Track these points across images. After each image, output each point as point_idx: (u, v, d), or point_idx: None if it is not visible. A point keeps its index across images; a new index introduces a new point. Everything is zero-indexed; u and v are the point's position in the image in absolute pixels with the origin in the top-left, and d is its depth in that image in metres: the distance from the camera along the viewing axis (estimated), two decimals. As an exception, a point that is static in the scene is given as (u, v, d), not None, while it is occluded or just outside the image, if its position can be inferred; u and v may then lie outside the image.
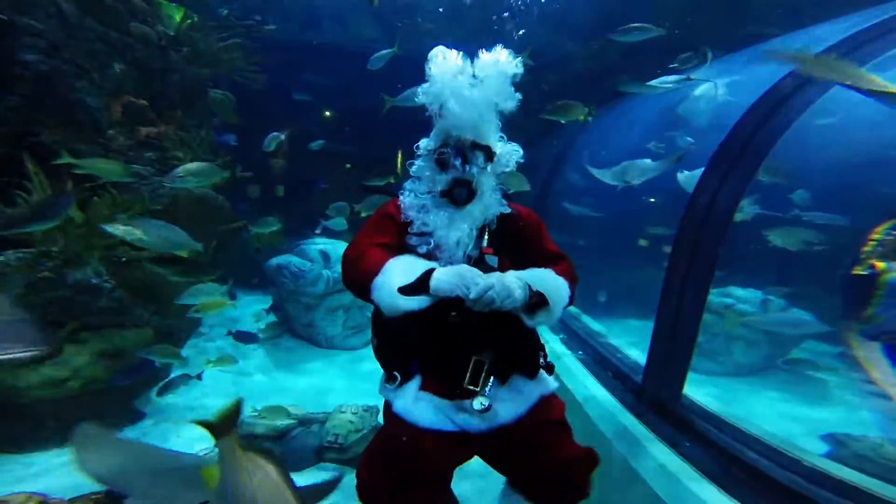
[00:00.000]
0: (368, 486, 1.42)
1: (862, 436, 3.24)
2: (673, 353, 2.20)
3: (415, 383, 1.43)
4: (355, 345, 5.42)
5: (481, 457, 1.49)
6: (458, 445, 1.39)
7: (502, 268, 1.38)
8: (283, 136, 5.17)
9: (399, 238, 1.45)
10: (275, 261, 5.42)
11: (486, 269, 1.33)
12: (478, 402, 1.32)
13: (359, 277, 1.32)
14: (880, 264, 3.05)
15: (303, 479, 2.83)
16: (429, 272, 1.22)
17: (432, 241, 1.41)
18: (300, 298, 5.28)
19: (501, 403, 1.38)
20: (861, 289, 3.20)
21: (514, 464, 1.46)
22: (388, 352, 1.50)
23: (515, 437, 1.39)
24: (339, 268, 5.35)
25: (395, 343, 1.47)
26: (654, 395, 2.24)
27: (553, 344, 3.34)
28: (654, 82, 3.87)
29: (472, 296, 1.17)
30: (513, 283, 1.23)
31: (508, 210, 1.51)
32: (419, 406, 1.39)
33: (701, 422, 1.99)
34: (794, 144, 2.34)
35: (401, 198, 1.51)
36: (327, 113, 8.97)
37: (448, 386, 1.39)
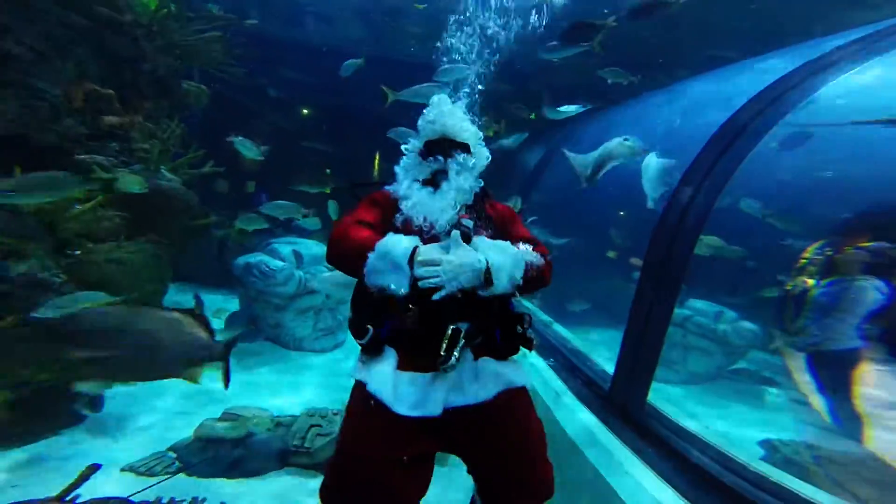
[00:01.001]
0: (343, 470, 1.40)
1: (790, 440, 3.52)
2: (639, 362, 2.31)
3: (387, 363, 1.44)
4: (325, 347, 5.33)
5: (448, 444, 1.47)
6: (427, 431, 1.39)
7: (478, 232, 1.54)
8: (260, 150, 5.03)
9: (383, 217, 1.61)
10: (244, 259, 5.26)
11: (464, 230, 1.48)
12: (443, 371, 1.36)
13: (347, 252, 1.45)
14: (810, 281, 3.32)
15: (267, 484, 2.77)
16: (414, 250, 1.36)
17: (414, 214, 1.56)
18: (269, 299, 5.14)
19: (470, 383, 1.41)
20: (792, 303, 3.48)
21: (475, 449, 1.46)
22: (362, 316, 1.51)
23: (479, 421, 1.41)
24: (311, 268, 5.29)
25: (369, 312, 1.49)
26: (621, 402, 2.34)
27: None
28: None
29: (416, 273, 1.32)
30: (464, 264, 1.34)
31: (482, 187, 1.69)
32: (390, 384, 1.40)
33: (662, 428, 2.10)
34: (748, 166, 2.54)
35: (389, 187, 1.70)
36: (305, 111, 8.84)
37: (423, 361, 1.41)
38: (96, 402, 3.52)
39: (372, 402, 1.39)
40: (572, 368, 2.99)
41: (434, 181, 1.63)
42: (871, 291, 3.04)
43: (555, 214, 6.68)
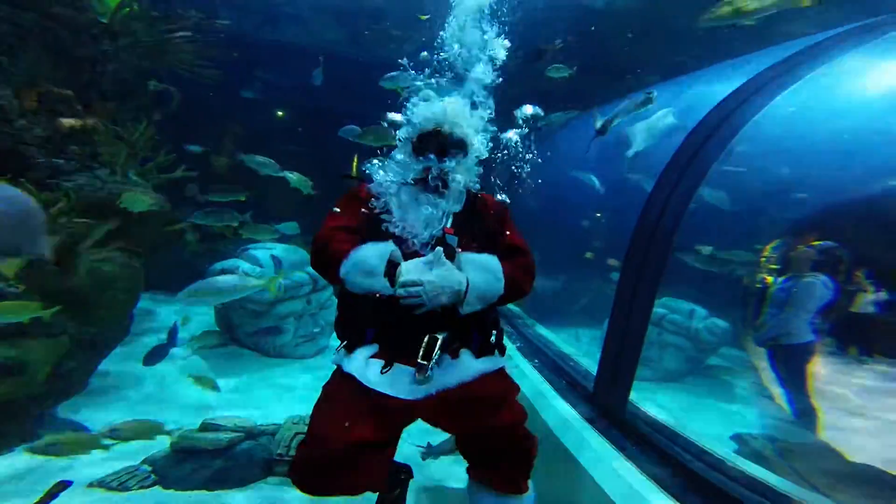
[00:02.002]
0: (315, 438, 1.41)
1: (757, 434, 3.70)
2: (621, 362, 2.38)
3: (368, 350, 1.50)
4: (306, 353, 5.24)
5: (424, 420, 1.55)
6: (400, 410, 1.45)
7: (462, 246, 1.50)
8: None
9: (365, 217, 1.54)
10: (220, 265, 5.11)
11: (447, 247, 1.46)
12: (420, 377, 1.42)
13: (328, 265, 1.44)
14: (769, 278, 3.53)
15: (250, 494, 2.69)
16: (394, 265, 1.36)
17: (399, 223, 1.50)
18: (246, 305, 5.01)
19: (442, 372, 1.46)
20: (754, 300, 3.69)
21: (454, 424, 1.54)
22: (346, 322, 1.57)
23: (453, 403, 1.46)
24: (290, 274, 5.19)
25: (355, 314, 1.55)
26: (604, 402, 2.41)
27: (509, 351, 3.46)
28: None
29: (398, 292, 1.34)
30: (444, 286, 1.36)
31: (475, 198, 1.62)
32: (369, 368, 1.46)
33: (645, 426, 2.18)
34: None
35: (374, 181, 1.59)
36: (280, 112, 8.65)
37: (402, 358, 1.47)
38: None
39: (350, 379, 1.44)
40: (557, 370, 3.05)
41: (426, 181, 1.51)
42: (819, 287, 3.26)
43: (535, 218, 6.79)
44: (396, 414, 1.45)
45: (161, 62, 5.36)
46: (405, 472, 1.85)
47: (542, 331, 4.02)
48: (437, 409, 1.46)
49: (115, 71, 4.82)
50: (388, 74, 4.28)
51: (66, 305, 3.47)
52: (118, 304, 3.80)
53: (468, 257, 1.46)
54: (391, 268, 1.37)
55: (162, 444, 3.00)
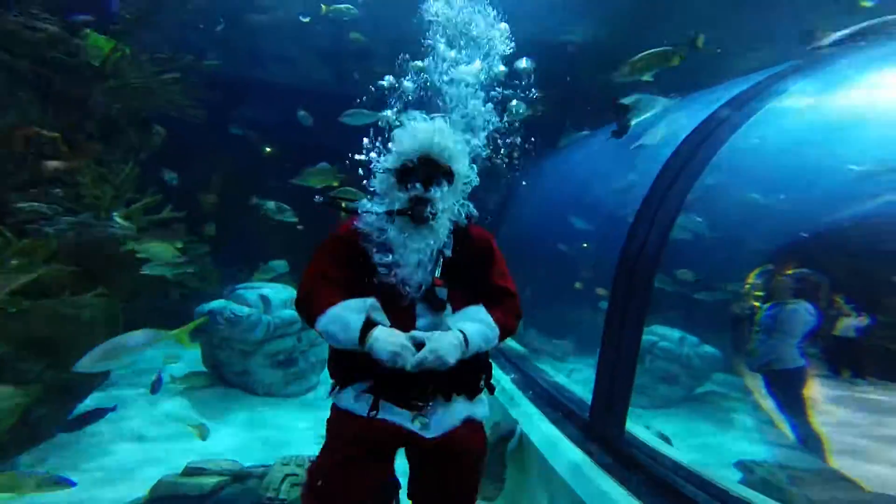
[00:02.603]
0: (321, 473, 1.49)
1: (763, 461, 3.65)
2: (615, 392, 2.38)
3: (360, 387, 1.51)
4: (296, 392, 5.09)
5: (406, 453, 1.62)
6: (396, 437, 1.50)
7: (453, 300, 1.50)
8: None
9: (353, 264, 1.51)
10: (208, 306, 5.02)
11: (437, 301, 1.47)
12: (418, 422, 1.46)
13: (307, 315, 1.47)
14: (756, 304, 3.60)
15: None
16: (370, 325, 1.37)
17: (392, 269, 1.47)
18: (234, 345, 4.89)
19: (436, 417, 1.49)
20: (743, 327, 3.75)
21: (425, 472, 1.59)
22: (338, 366, 1.58)
23: (435, 451, 1.50)
24: (279, 313, 5.10)
25: (346, 362, 1.54)
26: (601, 432, 2.38)
27: (504, 383, 3.43)
28: None
29: (408, 368, 1.33)
30: (447, 351, 1.37)
31: (464, 231, 1.60)
32: (361, 402, 1.49)
33: (643, 456, 2.15)
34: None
35: (358, 219, 1.54)
36: (268, 149, 8.76)
37: (394, 398, 1.49)
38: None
39: (346, 414, 1.50)
40: (551, 400, 3.02)
41: (412, 213, 1.44)
42: (803, 313, 3.34)
43: (523, 249, 6.86)
44: (393, 437, 1.49)
45: (149, 103, 5.43)
46: (394, 485, 1.79)
47: (540, 364, 4.00)
48: (424, 446, 1.50)
49: (103, 113, 4.86)
50: (349, 111, 4.35)
51: (38, 352, 3.37)
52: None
53: (459, 315, 1.50)
54: (368, 327, 1.37)
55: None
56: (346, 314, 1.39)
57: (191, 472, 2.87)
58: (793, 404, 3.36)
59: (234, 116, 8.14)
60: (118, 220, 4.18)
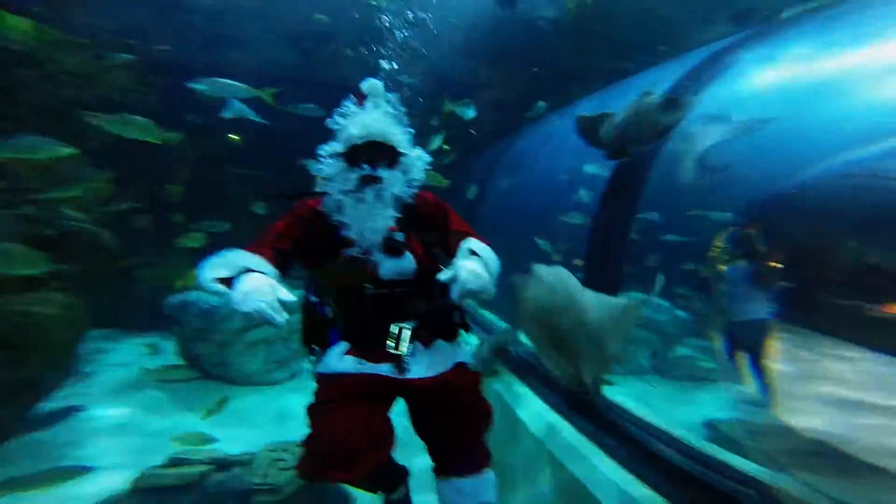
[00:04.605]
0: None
1: (727, 418, 3.86)
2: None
3: (339, 349, 1.59)
4: (279, 379, 5.05)
5: (406, 401, 1.68)
6: (386, 385, 1.58)
7: (409, 243, 1.61)
8: None
9: (304, 232, 1.61)
10: (177, 298, 4.87)
11: (395, 243, 1.57)
12: (390, 368, 1.54)
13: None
14: (722, 266, 3.76)
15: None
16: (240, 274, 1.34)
17: (351, 243, 1.58)
18: (210, 336, 4.79)
19: (420, 365, 1.58)
20: (712, 288, 3.91)
21: (428, 417, 1.66)
22: (310, 329, 1.66)
23: (431, 394, 1.59)
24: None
25: (318, 320, 1.63)
26: (578, 396, 2.46)
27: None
28: None
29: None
30: (471, 270, 1.42)
31: (413, 198, 1.67)
32: (344, 362, 1.56)
33: (617, 417, 2.24)
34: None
35: (314, 201, 1.66)
36: (235, 136, 8.40)
37: (371, 352, 1.57)
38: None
39: (329, 378, 1.56)
40: (533, 371, 3.09)
41: (362, 191, 1.55)
42: (741, 271, 3.50)
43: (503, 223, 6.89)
44: (385, 386, 1.56)
45: (90, 90, 5.08)
46: (402, 472, 1.86)
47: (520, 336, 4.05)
48: (418, 392, 1.59)
49: (39, 101, 4.53)
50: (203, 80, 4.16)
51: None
52: (58, 346, 3.58)
53: (468, 246, 1.52)
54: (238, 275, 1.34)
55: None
56: (236, 258, 1.38)
57: (174, 462, 2.82)
58: (754, 359, 3.53)
59: (192, 103, 7.74)
60: (68, 212, 3.94)
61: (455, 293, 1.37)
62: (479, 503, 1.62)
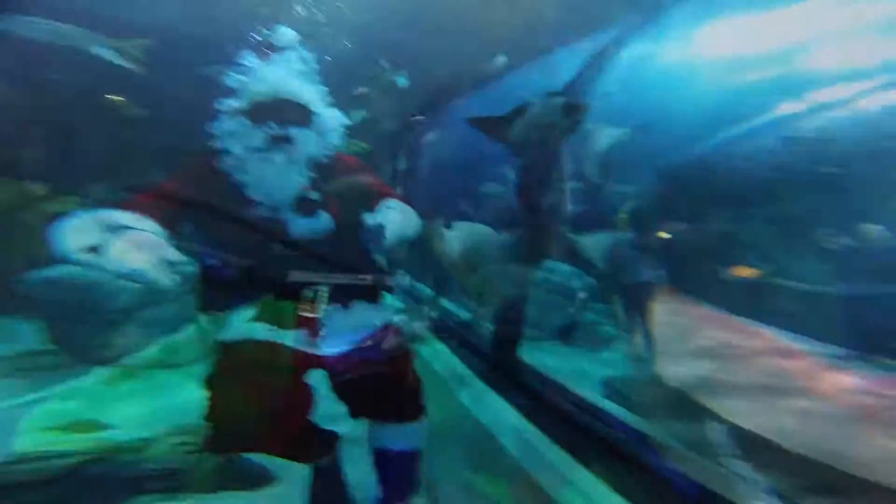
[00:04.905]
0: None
1: (620, 376, 4.31)
2: (508, 325, 2.58)
3: (245, 314, 1.48)
4: (179, 362, 4.58)
5: (332, 384, 1.60)
6: (299, 357, 1.47)
7: (325, 203, 1.52)
8: None
9: (197, 191, 1.48)
10: (42, 274, 4.08)
11: (309, 203, 1.49)
12: (305, 334, 1.45)
13: None
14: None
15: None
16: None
17: (259, 203, 1.48)
18: (90, 318, 4.15)
19: (339, 331, 1.51)
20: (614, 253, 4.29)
21: (354, 387, 1.59)
22: (208, 295, 1.49)
23: (357, 364, 1.53)
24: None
25: (214, 284, 1.44)
26: (499, 362, 2.60)
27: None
28: None
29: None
30: (395, 219, 1.42)
31: (330, 160, 1.61)
32: (252, 328, 1.45)
33: (531, 380, 2.43)
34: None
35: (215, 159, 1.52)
36: (118, 98, 7.10)
37: (283, 316, 1.46)
38: None
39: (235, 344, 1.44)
40: (447, 330, 3.21)
41: (270, 150, 1.47)
42: (609, 239, 3.90)
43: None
44: (299, 359, 1.46)
45: None
46: (329, 437, 1.77)
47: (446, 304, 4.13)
48: (340, 362, 1.50)
49: None
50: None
51: None
52: None
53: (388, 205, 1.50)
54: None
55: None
56: (105, 217, 1.24)
57: (31, 456, 2.43)
58: (641, 318, 3.97)
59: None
60: None
61: (380, 239, 1.34)
62: (409, 447, 1.62)
